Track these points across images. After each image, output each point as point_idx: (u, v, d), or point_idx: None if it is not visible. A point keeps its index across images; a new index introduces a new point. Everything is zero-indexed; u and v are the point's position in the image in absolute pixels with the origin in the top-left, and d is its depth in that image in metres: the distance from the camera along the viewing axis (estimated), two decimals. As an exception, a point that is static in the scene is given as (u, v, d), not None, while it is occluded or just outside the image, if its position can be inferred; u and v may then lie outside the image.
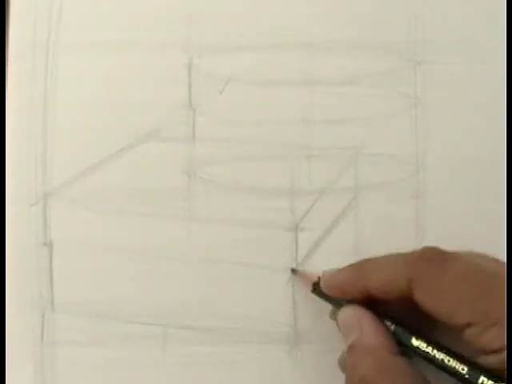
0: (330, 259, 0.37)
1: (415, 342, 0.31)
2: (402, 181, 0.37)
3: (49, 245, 0.37)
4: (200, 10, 0.38)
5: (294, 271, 0.37)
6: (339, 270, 0.34)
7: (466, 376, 0.29)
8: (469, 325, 0.29)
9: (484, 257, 0.32)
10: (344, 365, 0.33)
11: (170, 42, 0.38)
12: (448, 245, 0.36)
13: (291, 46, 0.38)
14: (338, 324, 0.33)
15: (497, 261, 0.31)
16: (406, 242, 0.37)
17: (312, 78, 0.38)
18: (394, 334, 0.32)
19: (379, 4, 0.38)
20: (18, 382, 0.37)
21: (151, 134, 0.38)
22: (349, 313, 0.33)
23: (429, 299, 0.30)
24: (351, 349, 0.32)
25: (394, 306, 0.32)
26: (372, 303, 0.33)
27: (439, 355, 0.30)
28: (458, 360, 0.30)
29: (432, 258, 0.31)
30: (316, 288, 0.35)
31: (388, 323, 0.32)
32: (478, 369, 0.29)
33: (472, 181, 0.37)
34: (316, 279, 0.35)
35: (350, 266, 0.34)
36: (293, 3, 0.38)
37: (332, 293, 0.34)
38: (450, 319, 0.30)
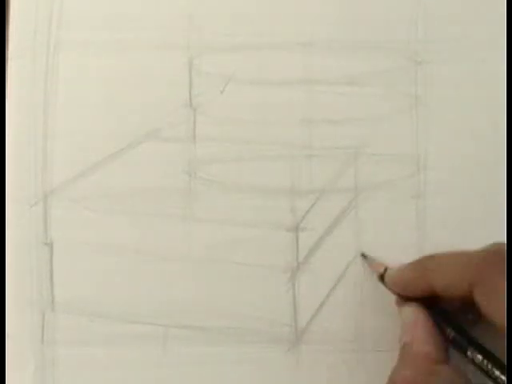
0: (330, 259, 0.37)
1: (470, 353, 0.31)
2: (402, 181, 0.37)
3: (49, 245, 0.37)
4: (200, 10, 0.38)
5: (363, 256, 0.37)
6: (403, 268, 0.34)
7: None
8: None
9: None
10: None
11: (170, 41, 0.38)
12: (448, 245, 0.37)
13: (291, 46, 0.38)
14: (400, 310, 0.34)
15: None
16: (406, 242, 0.37)
17: (312, 78, 0.38)
18: (451, 341, 0.32)
19: (379, 4, 0.38)
20: (17, 382, 0.37)
21: (151, 134, 0.38)
22: (408, 313, 0.33)
23: (488, 304, 0.30)
24: (402, 348, 0.32)
25: (457, 305, 0.32)
26: (435, 301, 0.33)
27: (492, 370, 0.30)
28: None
29: (495, 262, 0.31)
30: (383, 278, 0.35)
31: (448, 329, 0.32)
32: None
33: (472, 181, 0.37)
34: (382, 271, 0.35)
35: (414, 263, 0.34)
36: (293, 3, 0.38)
37: (396, 290, 0.34)
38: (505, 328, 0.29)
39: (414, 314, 0.33)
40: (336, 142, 0.38)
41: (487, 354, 0.31)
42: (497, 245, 0.32)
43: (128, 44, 0.38)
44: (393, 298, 0.35)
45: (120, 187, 0.38)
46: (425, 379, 0.30)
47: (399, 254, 0.37)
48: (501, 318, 0.30)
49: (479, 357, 0.31)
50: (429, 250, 0.37)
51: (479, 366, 0.30)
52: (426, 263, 0.33)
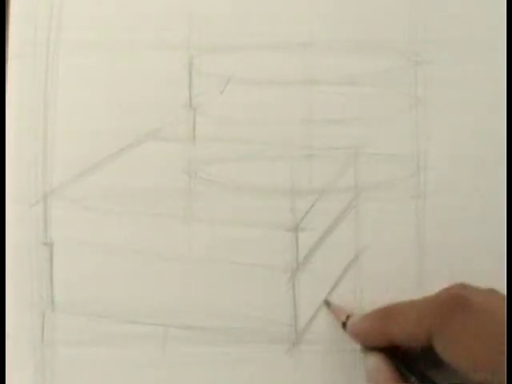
0: (330, 259, 0.37)
1: None
2: (402, 181, 0.37)
3: (49, 245, 0.37)
4: (200, 9, 0.38)
5: (326, 303, 0.37)
6: (363, 319, 0.34)
7: None
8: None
9: (496, 296, 0.31)
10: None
11: (170, 41, 0.38)
12: (448, 245, 0.37)
13: (291, 46, 0.38)
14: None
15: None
16: (406, 242, 0.37)
17: (312, 78, 0.38)
18: None
19: (379, 4, 0.38)
20: (17, 382, 0.37)
21: (151, 134, 0.38)
22: (371, 362, 0.33)
23: (449, 352, 0.30)
24: None
25: (419, 352, 0.32)
26: (398, 349, 0.33)
27: None
28: None
29: (452, 309, 0.31)
30: (344, 327, 0.35)
31: (412, 378, 0.32)
32: None
33: (472, 181, 0.37)
34: (344, 319, 0.35)
35: (373, 314, 0.34)
36: (293, 3, 0.38)
37: (357, 340, 0.34)
38: (469, 374, 0.30)
39: (376, 363, 0.33)
40: (336, 142, 0.38)
41: None
42: (454, 288, 0.32)
43: (128, 44, 0.38)
44: (392, 297, 0.35)
45: (120, 187, 0.38)
46: None
47: (399, 253, 0.37)
48: (463, 363, 0.30)
49: None
50: (429, 249, 0.37)
51: None
52: (386, 313, 0.33)
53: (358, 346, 0.35)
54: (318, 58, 0.38)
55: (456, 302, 0.31)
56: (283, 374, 0.37)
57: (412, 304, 0.33)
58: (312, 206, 0.37)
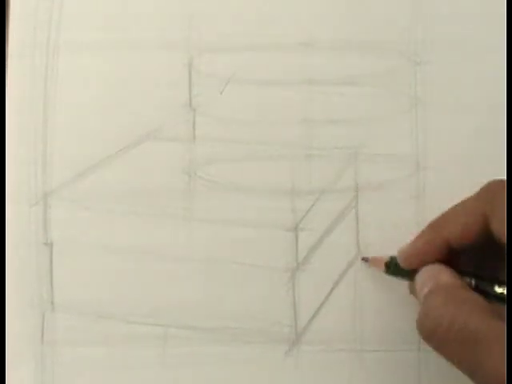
0: (330, 259, 0.37)
1: (498, 289, 0.31)
2: (401, 181, 0.37)
3: (49, 245, 0.37)
4: (200, 9, 0.38)
5: (364, 259, 0.36)
6: (415, 238, 0.34)
7: None
8: None
9: None
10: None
11: (170, 41, 0.38)
12: (448, 245, 0.36)
13: (291, 46, 0.38)
14: (415, 291, 0.33)
15: None
16: (406, 242, 0.37)
17: (312, 78, 0.38)
18: (475, 288, 0.31)
19: (379, 4, 0.38)
20: (17, 382, 0.37)
21: (151, 134, 0.38)
22: (427, 270, 0.32)
23: (506, 226, 0.30)
24: (428, 293, 0.31)
25: (472, 260, 0.32)
26: (449, 264, 0.32)
27: None
28: None
29: (501, 188, 0.31)
30: (390, 267, 0.35)
31: (467, 279, 0.32)
32: None
33: (472, 181, 0.37)
34: (387, 259, 0.35)
35: (423, 230, 0.34)
36: (293, 3, 0.38)
37: (412, 263, 0.33)
38: None
39: (433, 267, 0.32)
40: (336, 142, 0.38)
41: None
42: (494, 181, 0.32)
43: (128, 44, 0.38)
44: (393, 297, 0.35)
45: (120, 187, 0.38)
46: (458, 306, 0.29)
47: (399, 254, 0.37)
48: None
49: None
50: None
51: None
52: (435, 222, 0.33)
53: (357, 346, 0.35)
54: (318, 58, 0.38)
55: (502, 184, 0.31)
56: (283, 374, 0.37)
57: (456, 205, 0.33)
58: (312, 206, 0.37)
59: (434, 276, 0.32)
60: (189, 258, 0.37)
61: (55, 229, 0.37)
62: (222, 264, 0.37)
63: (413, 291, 0.34)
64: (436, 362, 0.32)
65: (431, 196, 0.37)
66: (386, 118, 0.38)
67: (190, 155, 0.38)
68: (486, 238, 0.31)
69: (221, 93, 0.38)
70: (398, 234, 0.37)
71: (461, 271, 0.32)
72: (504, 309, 0.30)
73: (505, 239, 0.30)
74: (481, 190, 0.32)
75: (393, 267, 0.35)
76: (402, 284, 0.35)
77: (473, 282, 0.32)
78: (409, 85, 0.38)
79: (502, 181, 0.32)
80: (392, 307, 0.36)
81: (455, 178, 0.37)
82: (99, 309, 0.37)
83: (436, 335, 0.29)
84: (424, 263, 0.33)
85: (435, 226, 0.33)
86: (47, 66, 0.38)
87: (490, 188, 0.32)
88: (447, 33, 0.38)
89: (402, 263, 0.34)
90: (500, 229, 0.30)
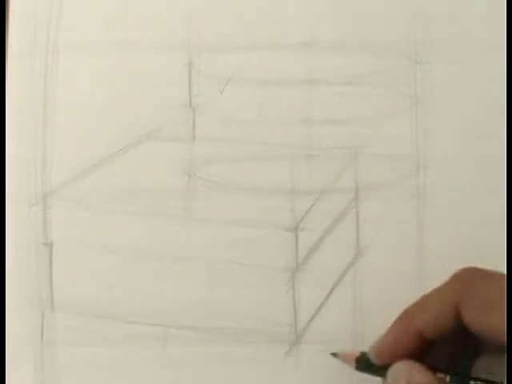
0: (330, 259, 0.37)
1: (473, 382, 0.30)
2: (402, 181, 0.37)
3: (49, 245, 0.37)
4: (200, 10, 0.38)
5: (333, 355, 0.35)
6: (387, 331, 0.33)
7: None
8: None
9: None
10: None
11: (169, 42, 0.38)
12: (448, 245, 0.37)
13: (291, 46, 0.38)
14: None
15: None
16: (406, 242, 0.37)
17: (312, 78, 0.38)
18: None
19: (379, 4, 0.38)
20: (17, 382, 0.37)
21: (151, 134, 0.38)
22: (399, 366, 0.32)
23: (479, 320, 0.30)
24: None
25: (446, 350, 0.32)
26: (422, 355, 0.32)
27: None
28: None
29: (475, 278, 0.31)
30: (360, 363, 0.33)
31: (441, 374, 0.31)
32: None
33: (472, 181, 0.37)
34: (358, 354, 0.34)
35: (395, 321, 0.33)
36: (293, 3, 0.38)
37: (384, 358, 0.32)
38: (501, 338, 0.29)
39: (405, 364, 0.31)
40: (336, 142, 0.38)
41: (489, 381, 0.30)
42: (466, 269, 0.32)
43: (128, 44, 0.38)
44: (392, 297, 0.35)
45: (120, 187, 0.38)
46: None
47: (399, 253, 0.37)
48: (493, 329, 0.29)
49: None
50: (428, 249, 0.37)
51: None
52: (407, 312, 0.32)
53: (357, 346, 0.35)
54: (318, 57, 0.38)
55: (475, 272, 0.31)
56: (283, 374, 0.37)
57: (428, 293, 0.32)
58: (312, 205, 0.37)
59: (405, 375, 0.31)
60: (189, 257, 0.37)
61: (55, 229, 0.37)
62: (221, 264, 0.37)
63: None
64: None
65: (431, 196, 0.37)
66: (386, 118, 0.38)
67: (190, 155, 0.38)
68: (459, 327, 0.31)
69: (221, 93, 0.38)
70: (398, 234, 0.37)
71: (434, 367, 0.31)
72: None
73: (476, 328, 0.30)
74: (452, 277, 0.32)
75: (364, 363, 0.33)
76: (401, 284, 0.35)
77: (447, 378, 0.31)
78: (409, 84, 0.38)
79: (473, 269, 0.31)
80: (392, 307, 0.36)
81: (455, 178, 0.37)
82: (99, 309, 0.37)
83: None
84: (396, 358, 0.32)
85: (408, 315, 0.32)
86: (47, 66, 0.38)
87: (461, 277, 0.31)
88: (447, 33, 0.38)
89: (374, 359, 0.33)
90: (473, 318, 0.30)
